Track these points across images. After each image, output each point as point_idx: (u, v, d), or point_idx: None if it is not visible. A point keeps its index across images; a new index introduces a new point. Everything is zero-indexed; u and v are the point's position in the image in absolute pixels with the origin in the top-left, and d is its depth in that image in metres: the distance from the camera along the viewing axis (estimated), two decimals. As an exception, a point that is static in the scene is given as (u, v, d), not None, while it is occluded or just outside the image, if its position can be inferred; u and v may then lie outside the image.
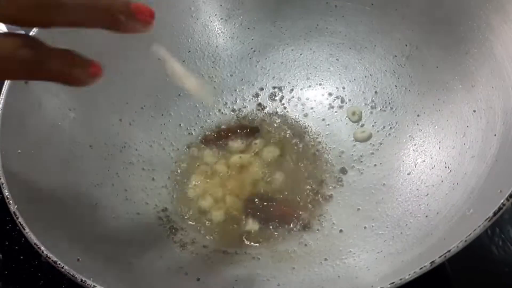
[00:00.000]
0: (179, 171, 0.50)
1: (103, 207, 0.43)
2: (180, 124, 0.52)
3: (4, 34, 0.25)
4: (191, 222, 0.46)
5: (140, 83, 0.51)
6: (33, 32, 0.44)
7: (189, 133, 0.52)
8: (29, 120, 0.43)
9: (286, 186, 0.48)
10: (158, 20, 0.51)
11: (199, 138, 0.52)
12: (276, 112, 0.53)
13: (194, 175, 0.49)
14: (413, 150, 0.46)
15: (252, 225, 0.45)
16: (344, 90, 0.52)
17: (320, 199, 0.46)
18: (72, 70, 0.26)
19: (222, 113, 0.54)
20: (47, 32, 0.45)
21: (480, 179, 0.36)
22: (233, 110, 0.54)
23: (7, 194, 0.36)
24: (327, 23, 0.52)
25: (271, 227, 0.45)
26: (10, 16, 0.24)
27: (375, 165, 0.47)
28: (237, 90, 0.54)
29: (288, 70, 0.54)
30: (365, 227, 0.43)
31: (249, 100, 0.54)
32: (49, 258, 0.33)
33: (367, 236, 0.42)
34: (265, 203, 0.46)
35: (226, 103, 0.54)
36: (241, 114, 0.54)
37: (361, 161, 0.48)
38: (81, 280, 0.32)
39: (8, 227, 0.49)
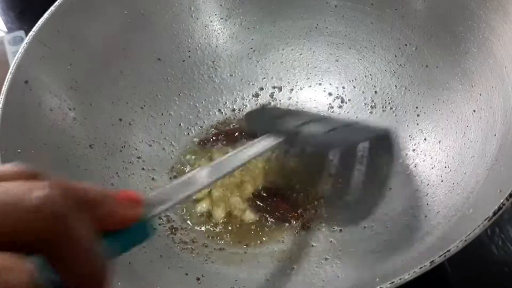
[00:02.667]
0: (179, 170, 0.50)
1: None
2: (180, 124, 0.52)
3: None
4: (191, 222, 0.46)
5: (140, 83, 0.51)
6: (36, 27, 0.45)
7: (189, 133, 0.52)
8: (29, 120, 0.43)
9: (286, 185, 0.48)
10: (158, 20, 0.52)
11: (198, 139, 0.52)
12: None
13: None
14: (413, 150, 0.46)
15: (252, 216, 0.45)
16: (344, 90, 0.52)
17: (320, 199, 0.46)
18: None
19: (222, 113, 0.54)
20: (48, 31, 0.45)
21: (480, 178, 0.36)
22: (233, 110, 0.54)
23: (7, 194, 0.36)
24: (327, 23, 0.52)
25: (271, 226, 0.45)
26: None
27: (375, 165, 0.47)
28: (237, 90, 0.54)
29: (288, 70, 0.54)
30: (365, 227, 0.43)
31: (249, 100, 0.54)
32: (49, 258, 0.33)
33: (367, 236, 0.42)
34: (266, 202, 0.46)
35: (225, 102, 0.54)
36: (241, 114, 0.53)
37: (361, 161, 0.48)
38: (81, 280, 0.32)
39: (8, 227, 0.49)
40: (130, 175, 0.48)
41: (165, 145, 0.51)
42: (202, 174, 0.31)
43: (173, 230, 0.45)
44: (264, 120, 0.47)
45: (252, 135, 0.51)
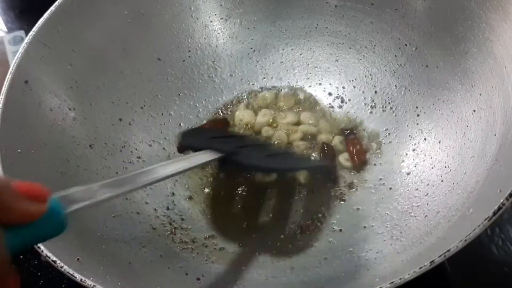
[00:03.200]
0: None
1: (103, 206, 0.43)
2: (180, 124, 0.52)
3: None
4: (191, 221, 0.46)
5: (140, 83, 0.51)
6: (36, 27, 0.45)
7: (189, 133, 0.52)
8: (29, 120, 0.43)
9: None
10: (158, 20, 0.52)
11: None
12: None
13: (193, 173, 0.50)
14: (413, 150, 0.46)
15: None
16: (344, 89, 0.52)
17: (320, 199, 0.46)
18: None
19: (222, 113, 0.54)
20: (48, 31, 0.45)
21: (480, 178, 0.36)
22: (233, 110, 0.54)
23: (7, 193, 0.36)
24: (327, 23, 0.52)
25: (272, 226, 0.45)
26: None
27: (374, 164, 0.47)
28: (237, 90, 0.54)
29: (288, 70, 0.54)
30: (365, 227, 0.43)
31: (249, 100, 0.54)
32: (49, 257, 0.33)
33: (367, 236, 0.42)
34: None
35: (226, 102, 0.54)
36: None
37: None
38: (81, 279, 0.32)
39: (8, 227, 0.49)
40: (130, 175, 0.48)
41: (165, 145, 0.51)
42: (134, 178, 0.32)
43: (173, 230, 0.45)
44: (201, 139, 0.45)
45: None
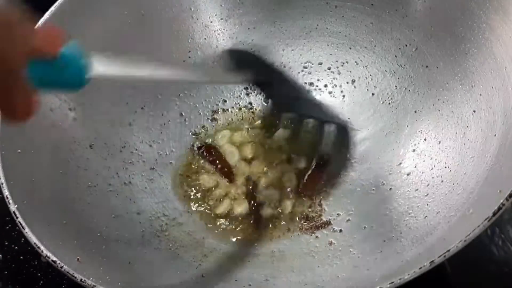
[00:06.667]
0: (179, 170, 0.50)
1: (103, 207, 0.44)
2: (180, 122, 0.52)
3: None
4: (191, 221, 0.46)
5: (140, 83, 0.51)
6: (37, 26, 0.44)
7: (189, 133, 0.52)
8: (29, 120, 0.43)
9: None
10: (158, 20, 0.52)
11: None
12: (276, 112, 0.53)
13: (194, 174, 0.50)
14: (413, 150, 0.46)
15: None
16: (344, 90, 0.52)
17: (320, 199, 0.46)
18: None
19: (223, 113, 0.54)
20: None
21: (480, 179, 0.36)
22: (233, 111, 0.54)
23: (7, 194, 0.37)
24: (327, 23, 0.52)
25: (272, 226, 0.45)
26: None
27: (375, 165, 0.47)
28: (238, 90, 0.54)
29: (288, 71, 0.54)
30: (365, 227, 0.43)
31: (249, 100, 0.54)
32: (49, 258, 0.33)
33: (367, 236, 0.42)
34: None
35: (225, 102, 0.54)
36: (241, 114, 0.53)
37: (361, 161, 0.48)
38: (81, 279, 0.32)
39: (8, 227, 0.49)
40: (130, 175, 0.48)
41: (165, 145, 0.51)
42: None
43: (173, 230, 0.45)
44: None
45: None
